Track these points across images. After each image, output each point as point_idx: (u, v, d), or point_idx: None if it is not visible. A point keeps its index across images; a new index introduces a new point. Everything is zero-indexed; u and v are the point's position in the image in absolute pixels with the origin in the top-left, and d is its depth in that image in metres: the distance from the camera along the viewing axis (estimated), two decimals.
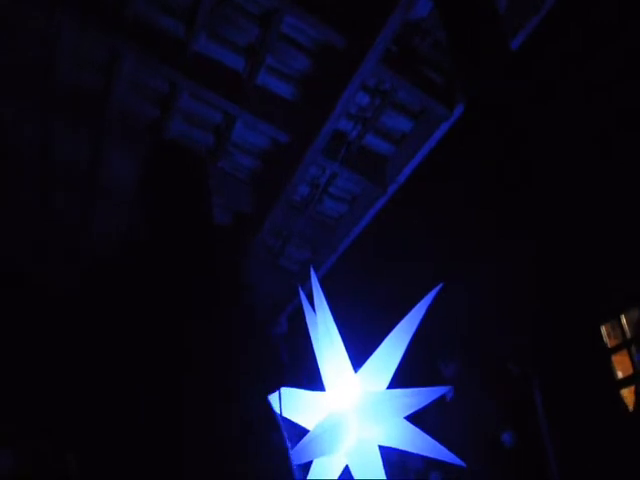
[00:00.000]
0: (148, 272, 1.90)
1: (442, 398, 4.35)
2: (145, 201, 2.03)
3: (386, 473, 3.56)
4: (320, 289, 3.95)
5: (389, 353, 3.77)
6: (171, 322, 1.84)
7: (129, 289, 1.90)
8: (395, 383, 3.74)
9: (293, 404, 3.81)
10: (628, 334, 5.11)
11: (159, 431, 1.77)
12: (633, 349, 5.10)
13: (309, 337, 4.12)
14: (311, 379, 4.00)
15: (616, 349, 5.23)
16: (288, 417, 3.86)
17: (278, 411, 3.23)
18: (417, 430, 3.60)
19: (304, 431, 3.76)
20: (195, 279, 1.89)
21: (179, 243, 1.95)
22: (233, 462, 1.76)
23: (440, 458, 3.58)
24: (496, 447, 4.33)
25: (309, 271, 4.27)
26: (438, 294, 3.82)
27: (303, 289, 4.30)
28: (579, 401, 2.94)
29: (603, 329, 4.86)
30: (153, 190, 2.02)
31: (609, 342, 5.15)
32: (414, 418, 3.67)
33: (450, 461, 3.55)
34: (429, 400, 3.56)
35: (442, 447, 3.55)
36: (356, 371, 3.85)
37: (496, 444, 4.35)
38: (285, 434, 1.91)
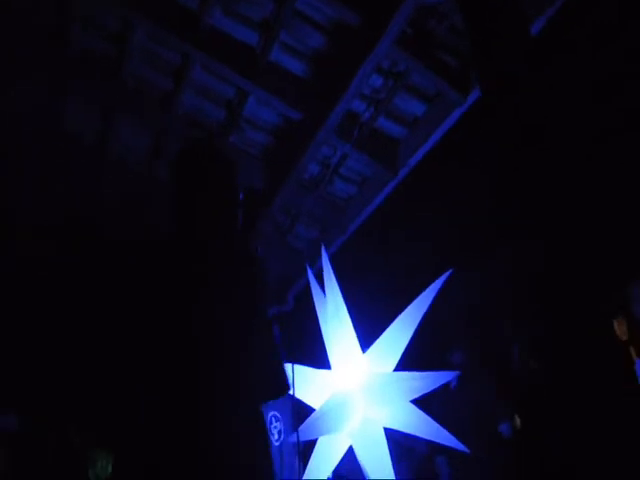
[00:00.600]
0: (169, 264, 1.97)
1: (447, 385, 4.40)
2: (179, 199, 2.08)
3: (390, 455, 3.60)
4: (330, 268, 3.97)
5: (397, 336, 3.80)
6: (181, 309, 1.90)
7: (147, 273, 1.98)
8: (402, 366, 3.77)
9: (299, 381, 3.84)
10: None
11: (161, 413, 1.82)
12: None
13: (315, 315, 4.15)
14: (317, 357, 4.03)
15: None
16: (294, 394, 3.91)
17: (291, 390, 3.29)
18: (422, 414, 3.63)
19: (309, 409, 3.80)
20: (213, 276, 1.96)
21: (205, 241, 2.03)
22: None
23: (444, 443, 3.61)
24: (496, 436, 4.37)
25: (317, 250, 4.28)
26: (447, 280, 3.84)
27: (311, 268, 4.32)
28: (593, 392, 2.98)
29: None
30: (187, 190, 2.08)
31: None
32: (419, 403, 3.70)
33: (454, 447, 3.58)
34: (436, 385, 3.60)
35: (447, 432, 3.57)
36: (364, 352, 3.88)
37: (496, 433, 4.39)
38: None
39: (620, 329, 3.78)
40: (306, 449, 4.13)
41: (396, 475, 3.56)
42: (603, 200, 4.34)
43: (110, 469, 5.31)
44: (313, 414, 3.60)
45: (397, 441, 3.83)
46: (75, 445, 5.22)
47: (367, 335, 3.98)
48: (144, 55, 5.09)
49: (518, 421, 4.48)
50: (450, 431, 3.60)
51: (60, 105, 5.54)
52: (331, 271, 3.93)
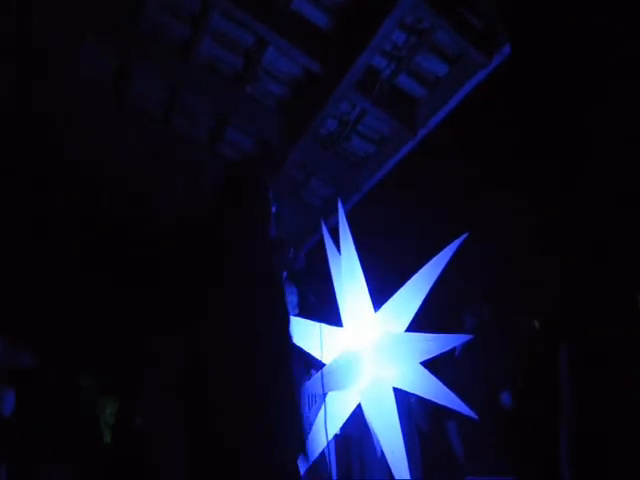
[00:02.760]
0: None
1: (453, 351, 4.40)
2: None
3: (398, 414, 3.61)
4: (347, 224, 3.93)
5: (410, 297, 3.78)
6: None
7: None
8: (414, 327, 3.76)
9: (310, 337, 3.85)
10: None
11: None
12: None
13: (328, 273, 4.13)
14: (329, 314, 4.03)
15: None
16: (305, 349, 3.92)
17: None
18: (432, 377, 3.63)
19: (320, 364, 3.81)
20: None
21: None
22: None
23: (452, 407, 3.61)
24: (499, 404, 4.39)
25: (332, 207, 4.25)
26: (463, 243, 3.80)
27: (325, 225, 4.28)
28: (609, 361, 2.98)
29: None
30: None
31: None
32: (428, 366, 3.69)
33: (462, 411, 3.58)
34: (447, 347, 3.59)
35: (455, 397, 3.57)
36: (376, 311, 3.87)
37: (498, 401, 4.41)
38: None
39: None
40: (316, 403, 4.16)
41: (403, 433, 3.58)
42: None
43: None
44: (323, 369, 3.61)
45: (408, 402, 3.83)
46: (83, 388, 5.27)
47: (380, 294, 3.97)
48: (164, 1, 4.98)
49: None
50: (459, 396, 3.60)
51: (76, 51, 5.46)
52: (347, 228, 3.89)
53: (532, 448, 4.17)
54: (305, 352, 3.81)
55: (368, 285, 3.91)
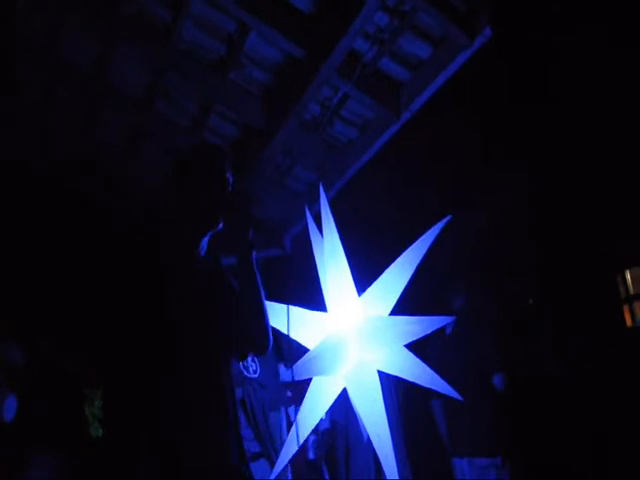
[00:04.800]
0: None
1: (442, 331, 4.38)
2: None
3: (383, 398, 3.60)
4: (329, 208, 3.90)
5: (393, 280, 3.75)
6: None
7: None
8: (398, 311, 3.74)
9: (294, 322, 3.82)
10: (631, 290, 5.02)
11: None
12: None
13: (313, 258, 4.11)
14: (314, 300, 4.01)
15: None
16: (289, 334, 3.90)
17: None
18: (417, 359, 3.61)
19: (304, 349, 3.79)
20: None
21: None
22: None
23: (438, 390, 3.60)
24: (489, 386, 4.39)
25: (316, 192, 4.21)
26: (446, 225, 3.78)
27: (310, 210, 4.25)
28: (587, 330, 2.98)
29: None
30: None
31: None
32: (414, 349, 3.68)
33: (447, 394, 3.56)
34: (431, 329, 3.56)
35: (440, 379, 3.56)
36: (360, 295, 3.85)
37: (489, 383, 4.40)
38: None
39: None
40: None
41: (388, 418, 3.57)
42: (610, 143, 4.26)
43: None
44: (306, 354, 3.58)
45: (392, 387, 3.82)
46: (68, 374, 5.24)
47: (365, 279, 3.95)
48: None
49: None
50: (444, 378, 3.58)
51: (58, 33, 5.40)
52: (329, 212, 3.86)
53: (519, 428, 4.20)
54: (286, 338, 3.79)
55: (353, 270, 3.89)
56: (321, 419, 3.91)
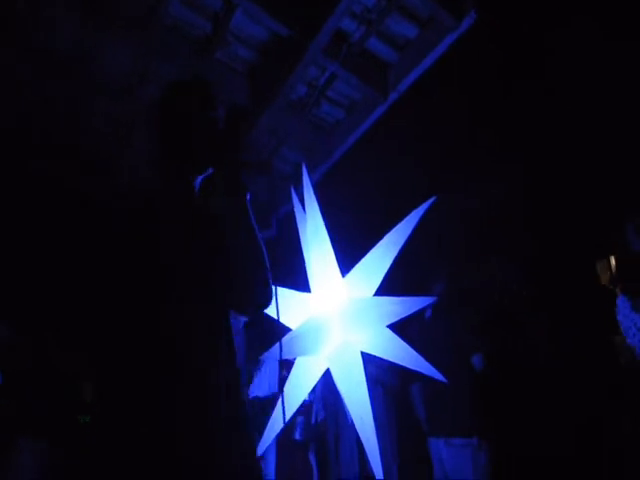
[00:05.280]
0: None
1: (422, 313, 4.38)
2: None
3: (366, 379, 3.61)
4: (311, 189, 3.89)
5: (377, 261, 3.75)
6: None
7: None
8: (382, 292, 3.75)
9: (280, 303, 3.82)
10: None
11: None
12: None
13: (299, 240, 4.10)
14: (300, 281, 4.01)
15: None
16: (273, 315, 3.89)
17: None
18: (400, 340, 3.62)
19: (288, 330, 3.80)
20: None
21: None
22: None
23: (420, 371, 3.60)
24: (468, 367, 4.40)
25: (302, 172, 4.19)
26: (431, 207, 3.78)
27: (296, 192, 4.24)
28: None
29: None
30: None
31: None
32: (397, 331, 3.68)
33: (430, 375, 3.57)
34: (414, 309, 3.57)
35: (423, 360, 3.56)
36: (344, 276, 3.85)
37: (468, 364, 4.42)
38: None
39: (602, 270, 3.76)
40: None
41: (371, 399, 3.58)
42: (595, 138, 4.27)
43: None
44: (289, 333, 3.59)
45: (369, 372, 3.81)
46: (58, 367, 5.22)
47: (350, 261, 3.95)
48: None
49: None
50: (426, 359, 3.59)
51: (37, 19, 5.31)
52: (312, 194, 3.85)
53: (496, 409, 4.22)
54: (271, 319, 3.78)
55: (338, 251, 3.89)
56: (312, 401, 3.92)
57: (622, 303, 3.65)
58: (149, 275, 1.81)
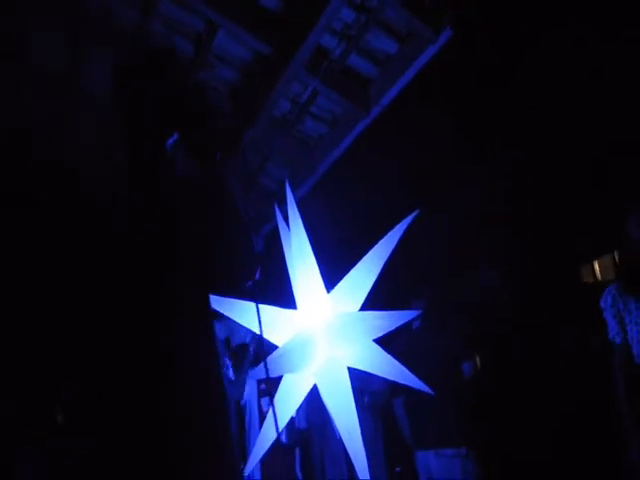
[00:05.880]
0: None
1: (409, 325, 4.38)
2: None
3: (353, 394, 3.60)
4: (295, 206, 3.89)
5: (362, 276, 3.76)
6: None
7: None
8: (367, 307, 3.75)
9: (264, 320, 3.82)
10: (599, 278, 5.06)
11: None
12: None
13: (284, 257, 4.11)
14: (284, 297, 4.01)
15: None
16: (258, 333, 3.90)
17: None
18: (386, 354, 3.61)
19: (274, 347, 3.79)
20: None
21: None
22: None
23: (407, 384, 3.60)
24: (457, 376, 4.40)
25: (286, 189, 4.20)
26: (414, 220, 3.79)
27: (281, 209, 4.25)
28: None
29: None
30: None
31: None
32: (383, 345, 3.68)
33: (417, 387, 3.57)
34: (399, 323, 3.57)
35: (409, 373, 3.56)
36: (329, 292, 3.85)
37: (456, 374, 4.42)
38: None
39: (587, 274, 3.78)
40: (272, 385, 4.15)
41: (358, 414, 3.57)
42: (574, 145, 4.31)
43: None
44: (275, 351, 3.59)
45: (356, 385, 3.81)
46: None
47: (335, 276, 3.95)
48: None
49: (478, 362, 4.53)
50: (413, 372, 3.59)
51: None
52: (296, 208, 3.86)
53: (484, 419, 4.22)
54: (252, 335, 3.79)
55: (322, 266, 3.89)
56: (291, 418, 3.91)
57: (614, 294, 3.58)
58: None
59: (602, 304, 3.55)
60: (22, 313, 1.68)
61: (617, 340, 3.48)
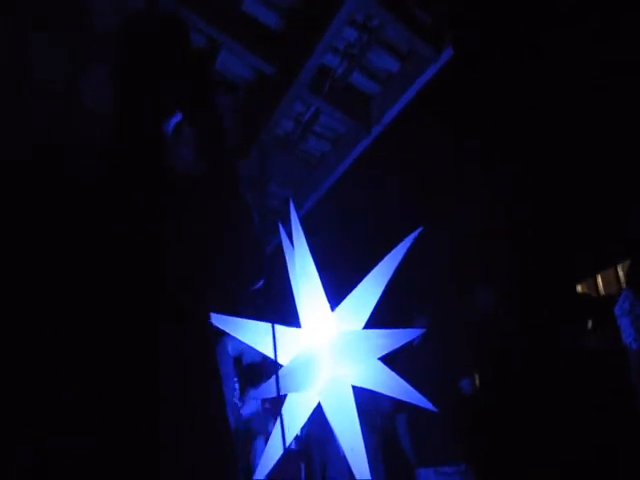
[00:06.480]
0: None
1: (411, 342, 4.38)
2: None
3: (358, 413, 3.59)
4: (299, 224, 3.91)
5: (366, 294, 3.76)
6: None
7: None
8: (371, 325, 3.75)
9: (268, 339, 3.83)
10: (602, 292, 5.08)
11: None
12: None
13: (288, 275, 4.12)
14: (289, 316, 4.01)
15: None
16: (262, 351, 3.90)
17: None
18: (390, 372, 3.61)
19: (276, 366, 3.78)
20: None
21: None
22: None
23: (411, 401, 3.59)
24: (456, 393, 4.39)
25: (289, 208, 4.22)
26: (418, 238, 3.80)
27: (284, 226, 4.26)
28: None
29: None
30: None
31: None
32: (385, 361, 3.68)
33: (421, 405, 3.56)
34: (403, 342, 3.57)
35: (414, 390, 3.56)
36: (333, 310, 3.85)
37: (456, 390, 4.41)
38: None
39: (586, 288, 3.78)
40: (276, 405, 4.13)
41: (363, 433, 3.56)
42: (575, 165, 4.33)
43: None
44: (280, 371, 3.58)
45: (363, 400, 3.80)
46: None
47: (338, 294, 3.95)
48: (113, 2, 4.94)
49: (477, 378, 4.52)
50: (415, 388, 3.58)
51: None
52: (300, 227, 3.87)
53: (484, 435, 4.21)
54: (262, 355, 3.79)
55: (326, 285, 3.89)
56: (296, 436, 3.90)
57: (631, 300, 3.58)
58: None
59: (617, 311, 3.55)
60: (22, 313, 1.55)
61: (633, 346, 3.47)
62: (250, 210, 1.58)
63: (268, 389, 3.54)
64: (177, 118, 1.56)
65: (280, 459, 3.66)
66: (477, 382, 4.53)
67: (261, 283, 1.63)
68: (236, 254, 1.55)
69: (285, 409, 3.80)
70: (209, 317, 1.67)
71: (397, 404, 3.83)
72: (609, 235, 4.21)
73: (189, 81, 1.56)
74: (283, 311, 4.10)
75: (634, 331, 3.47)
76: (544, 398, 3.64)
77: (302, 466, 4.97)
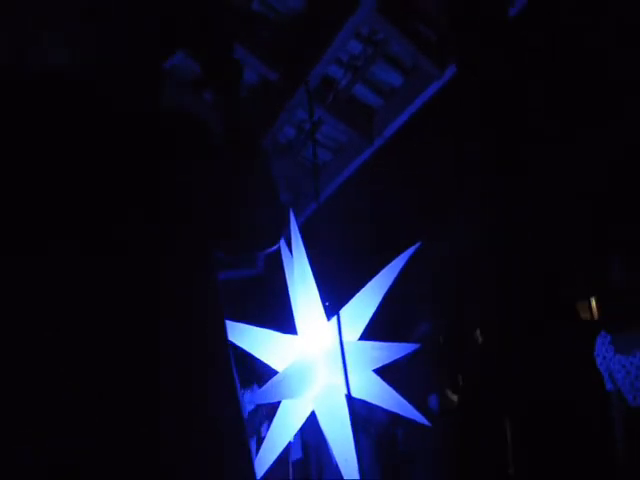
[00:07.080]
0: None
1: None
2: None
3: (351, 423, 3.66)
4: (298, 232, 3.98)
5: (363, 305, 3.83)
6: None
7: None
8: (367, 337, 3.82)
9: (264, 345, 3.90)
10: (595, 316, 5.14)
11: None
12: None
13: (285, 280, 4.18)
14: (286, 322, 4.07)
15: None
16: (259, 357, 3.97)
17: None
18: (384, 384, 3.68)
19: (273, 372, 3.85)
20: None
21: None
22: None
23: (404, 414, 3.67)
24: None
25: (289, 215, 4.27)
26: (416, 252, 3.87)
27: (283, 235, 4.31)
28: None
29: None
30: None
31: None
32: (380, 374, 3.75)
33: (414, 418, 3.63)
34: (398, 355, 3.65)
35: (407, 403, 3.63)
36: (329, 319, 3.92)
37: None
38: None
39: (583, 310, 3.86)
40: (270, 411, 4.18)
41: (355, 443, 3.62)
42: (575, 182, 4.41)
43: None
44: (274, 377, 3.64)
45: (358, 410, 3.87)
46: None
47: (337, 302, 4.00)
48: None
49: (452, 396, 4.56)
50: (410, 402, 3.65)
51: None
52: (299, 236, 3.94)
53: (474, 450, 4.28)
54: (257, 360, 3.85)
55: (324, 294, 3.96)
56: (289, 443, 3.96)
57: (601, 342, 3.71)
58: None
59: (595, 355, 3.67)
60: (21, 313, 1.46)
61: (608, 387, 3.58)
62: (269, 167, 1.47)
63: (264, 394, 3.61)
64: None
65: (272, 465, 3.72)
66: (449, 397, 4.57)
67: (276, 246, 1.51)
68: (254, 208, 1.40)
69: (279, 415, 3.87)
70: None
71: (396, 417, 3.89)
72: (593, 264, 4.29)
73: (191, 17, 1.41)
74: (280, 317, 4.17)
75: (605, 373, 3.59)
76: (535, 411, 3.71)
77: (291, 471, 5.03)
